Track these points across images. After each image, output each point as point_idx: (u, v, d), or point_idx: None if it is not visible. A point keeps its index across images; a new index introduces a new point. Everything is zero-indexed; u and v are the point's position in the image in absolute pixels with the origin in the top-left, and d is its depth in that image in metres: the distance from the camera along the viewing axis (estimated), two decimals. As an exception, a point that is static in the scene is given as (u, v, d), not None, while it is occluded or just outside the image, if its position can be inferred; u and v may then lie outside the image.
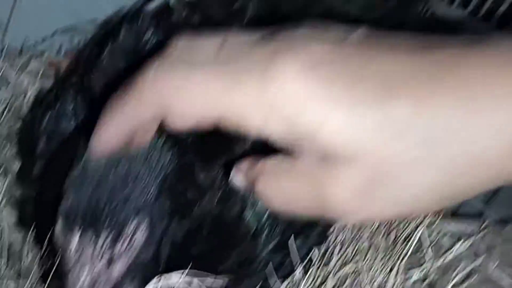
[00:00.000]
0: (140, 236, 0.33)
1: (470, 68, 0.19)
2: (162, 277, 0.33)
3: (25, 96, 0.58)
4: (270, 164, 0.24)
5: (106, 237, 0.32)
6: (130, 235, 0.33)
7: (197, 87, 0.22)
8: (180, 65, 0.23)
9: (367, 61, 0.21)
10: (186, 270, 0.33)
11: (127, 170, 0.32)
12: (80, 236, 0.31)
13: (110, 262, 0.32)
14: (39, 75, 0.59)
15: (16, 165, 0.49)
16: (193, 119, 0.24)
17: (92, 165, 0.32)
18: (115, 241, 0.32)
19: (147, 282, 0.33)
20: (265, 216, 0.38)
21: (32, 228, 0.42)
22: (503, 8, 0.51)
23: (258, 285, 0.40)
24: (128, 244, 0.33)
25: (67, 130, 0.41)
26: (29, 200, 0.44)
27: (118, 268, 0.33)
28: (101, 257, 0.32)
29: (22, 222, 0.45)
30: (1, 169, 0.49)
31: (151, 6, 0.43)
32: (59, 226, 0.32)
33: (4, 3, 0.56)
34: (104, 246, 0.32)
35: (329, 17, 0.24)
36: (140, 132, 0.27)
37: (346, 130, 0.20)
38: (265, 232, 0.39)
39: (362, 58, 0.21)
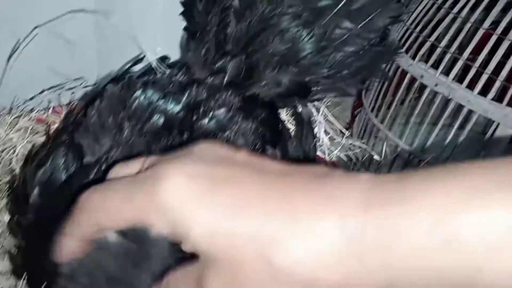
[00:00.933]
0: None
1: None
2: None
3: (14, 151, 0.61)
4: (171, 276, 0.30)
5: None
6: None
7: (111, 205, 0.29)
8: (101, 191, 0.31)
9: (231, 181, 0.26)
10: None
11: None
12: None
13: None
14: (28, 131, 0.63)
15: (6, 217, 0.52)
16: (118, 224, 0.30)
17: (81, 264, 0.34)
18: None
19: None
20: None
21: (23, 277, 0.43)
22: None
23: None
24: None
25: (58, 183, 0.43)
26: (19, 251, 0.45)
27: None
28: None
29: (14, 272, 0.47)
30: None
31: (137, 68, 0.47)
32: None
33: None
34: None
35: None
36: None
37: (206, 236, 0.25)
38: None
39: (228, 178, 0.27)
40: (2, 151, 0.61)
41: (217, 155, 0.29)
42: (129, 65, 0.55)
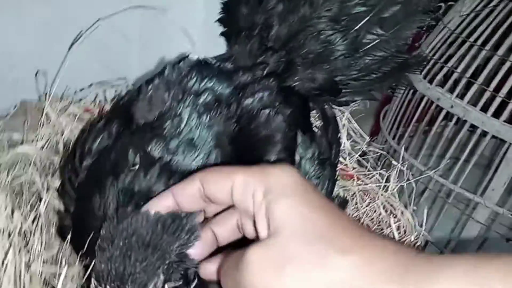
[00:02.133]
0: None
1: None
2: None
3: (62, 134, 0.66)
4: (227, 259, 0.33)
5: None
6: None
7: None
8: None
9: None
10: None
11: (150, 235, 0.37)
12: None
13: None
14: (76, 117, 0.68)
15: (57, 183, 0.56)
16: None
17: (120, 228, 0.37)
18: None
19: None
20: None
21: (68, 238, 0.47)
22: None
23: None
24: None
25: (108, 147, 0.47)
26: (68, 215, 0.49)
27: None
28: None
29: (60, 231, 0.51)
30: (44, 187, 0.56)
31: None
32: (92, 285, 0.37)
33: (54, 57, 0.66)
34: None
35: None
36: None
37: None
38: None
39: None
40: (51, 133, 0.66)
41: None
42: (180, 59, 0.61)
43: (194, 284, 0.39)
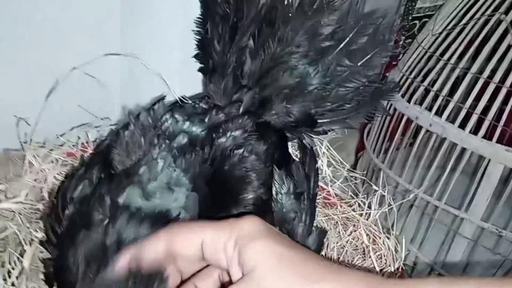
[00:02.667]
0: None
1: None
2: None
3: (45, 181, 0.67)
4: None
5: None
6: None
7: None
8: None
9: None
10: None
11: None
12: None
13: None
14: (59, 163, 0.69)
15: (40, 235, 0.57)
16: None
17: None
18: None
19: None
20: None
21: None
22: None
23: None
24: None
25: (90, 194, 0.47)
26: (50, 263, 0.48)
27: None
28: None
29: (46, 281, 0.50)
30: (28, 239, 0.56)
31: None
32: None
33: (34, 104, 0.67)
34: None
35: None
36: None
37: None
38: None
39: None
40: (35, 180, 0.66)
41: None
42: (154, 101, 0.62)
43: None
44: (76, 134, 0.73)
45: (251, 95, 0.57)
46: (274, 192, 0.50)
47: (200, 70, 0.66)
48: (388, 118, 1.02)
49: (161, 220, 0.42)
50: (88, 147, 0.72)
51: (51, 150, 0.69)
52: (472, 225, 0.88)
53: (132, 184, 0.46)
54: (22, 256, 0.49)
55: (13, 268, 0.48)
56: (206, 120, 0.52)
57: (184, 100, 0.59)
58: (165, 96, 0.63)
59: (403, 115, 0.98)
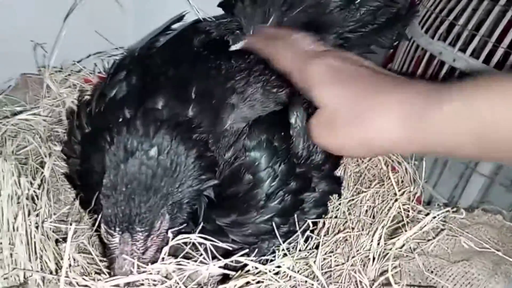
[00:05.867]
0: (165, 228, 0.40)
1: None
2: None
3: (64, 105, 0.67)
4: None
5: (140, 236, 0.39)
6: (158, 230, 0.40)
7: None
8: None
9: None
10: None
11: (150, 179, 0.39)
12: (120, 238, 0.38)
13: (145, 251, 0.40)
14: (77, 88, 0.69)
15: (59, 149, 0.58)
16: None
17: (121, 173, 0.38)
18: (147, 236, 0.39)
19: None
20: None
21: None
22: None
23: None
24: (157, 237, 0.40)
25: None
26: (74, 172, 0.50)
27: (150, 253, 0.40)
28: (138, 249, 0.39)
29: (70, 179, 0.53)
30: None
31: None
32: (102, 230, 0.39)
33: (50, 30, 0.66)
34: (139, 242, 0.39)
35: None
36: None
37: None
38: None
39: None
40: (53, 105, 0.66)
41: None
42: (172, 20, 0.61)
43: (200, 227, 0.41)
44: (93, 61, 0.73)
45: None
46: None
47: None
48: (410, 54, 0.99)
49: None
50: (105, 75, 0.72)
51: (69, 75, 0.70)
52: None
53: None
54: (42, 167, 0.49)
55: (33, 178, 0.49)
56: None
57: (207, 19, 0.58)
58: (183, 15, 0.63)
59: (425, 52, 0.95)
